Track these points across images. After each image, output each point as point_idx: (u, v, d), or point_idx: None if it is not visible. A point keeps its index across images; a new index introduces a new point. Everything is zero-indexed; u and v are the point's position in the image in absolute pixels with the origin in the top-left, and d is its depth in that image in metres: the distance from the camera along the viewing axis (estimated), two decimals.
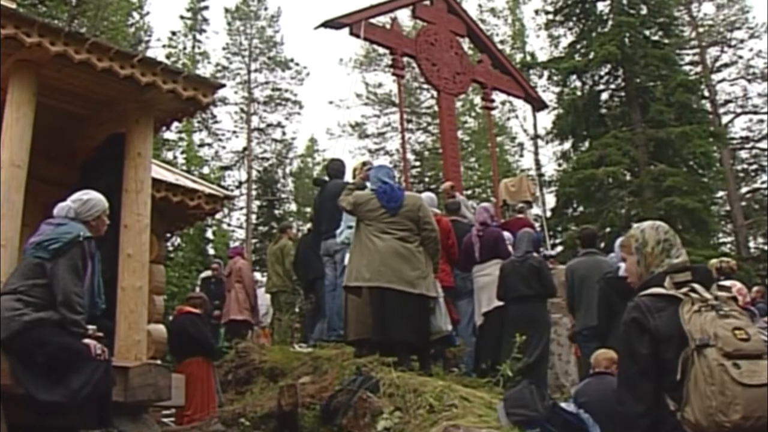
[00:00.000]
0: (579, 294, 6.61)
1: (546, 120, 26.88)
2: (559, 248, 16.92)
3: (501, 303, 6.52)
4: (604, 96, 22.19)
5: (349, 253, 5.79)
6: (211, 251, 25.70)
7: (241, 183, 30.05)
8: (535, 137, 27.93)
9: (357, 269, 5.41)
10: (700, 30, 26.99)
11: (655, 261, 2.52)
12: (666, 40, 22.07)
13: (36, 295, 3.84)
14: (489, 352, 6.30)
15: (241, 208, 29.37)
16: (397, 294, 5.25)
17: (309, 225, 9.90)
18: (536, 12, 26.13)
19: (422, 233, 5.51)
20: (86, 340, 3.87)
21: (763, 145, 26.51)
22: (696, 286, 2.33)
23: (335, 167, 7.82)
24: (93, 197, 4.22)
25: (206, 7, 30.64)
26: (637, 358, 2.32)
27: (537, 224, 14.38)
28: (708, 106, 24.50)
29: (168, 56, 27.01)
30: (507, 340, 5.93)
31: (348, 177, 7.50)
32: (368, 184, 5.84)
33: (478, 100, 23.42)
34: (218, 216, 24.32)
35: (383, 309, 5.27)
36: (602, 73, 21.82)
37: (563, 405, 4.53)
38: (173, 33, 29.42)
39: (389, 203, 5.49)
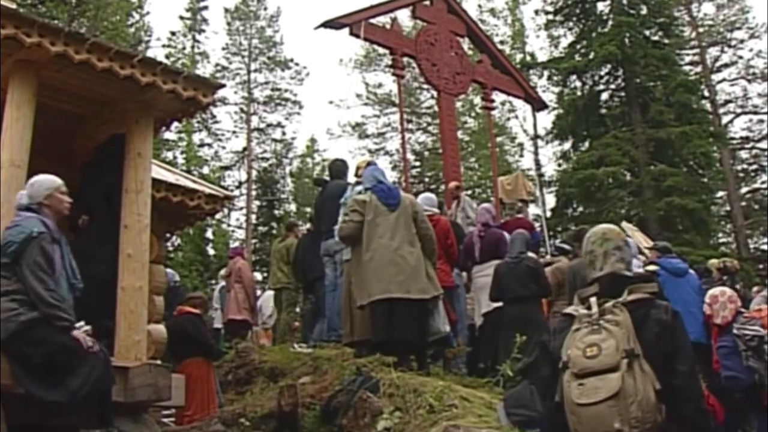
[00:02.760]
0: None
1: (546, 120, 26.90)
2: None
3: (500, 304, 6.54)
4: (604, 96, 22.21)
5: (352, 259, 5.76)
6: (211, 251, 25.73)
7: (241, 183, 30.07)
8: (535, 137, 27.94)
9: (368, 282, 5.32)
10: (700, 30, 26.99)
11: (588, 273, 2.53)
12: (666, 40, 22.09)
13: (27, 294, 3.86)
14: (489, 353, 6.31)
15: (241, 208, 29.41)
16: (406, 300, 5.24)
17: (308, 225, 9.87)
18: (536, 12, 26.21)
19: (419, 232, 5.54)
20: (76, 333, 3.86)
21: (763, 145, 26.53)
22: (592, 300, 2.33)
23: (337, 167, 7.80)
24: (40, 178, 4.17)
25: (206, 7, 30.70)
26: (541, 378, 2.42)
27: (537, 224, 14.39)
28: (708, 106, 24.53)
29: (168, 56, 27.06)
30: (505, 340, 5.93)
31: (351, 177, 7.48)
32: (360, 187, 5.86)
33: (478, 100, 23.42)
34: (218, 216, 24.33)
35: (391, 313, 5.26)
36: (602, 73, 21.84)
37: None
38: (173, 33, 29.50)
39: (389, 200, 5.52)
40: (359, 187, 6.35)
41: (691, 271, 7.17)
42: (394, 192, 5.62)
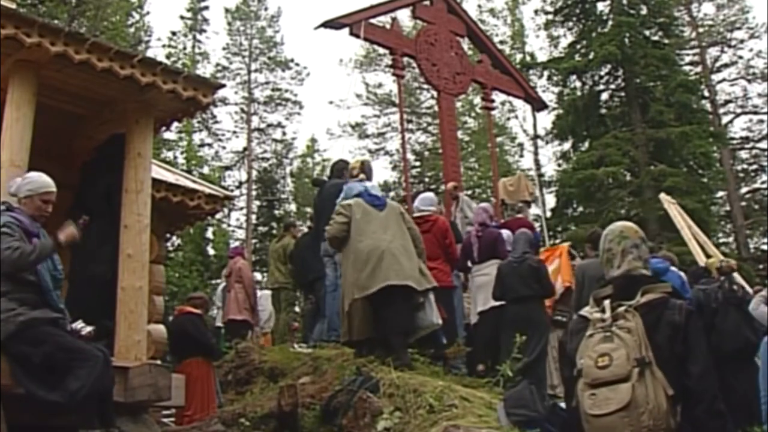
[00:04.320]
0: (588, 294, 6.60)
1: (546, 120, 26.88)
2: None
3: (496, 303, 6.56)
4: (604, 96, 22.22)
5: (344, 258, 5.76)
6: (211, 251, 25.72)
7: (241, 183, 30.06)
8: (535, 137, 27.94)
9: (366, 274, 5.31)
10: (700, 30, 26.99)
11: (606, 272, 2.51)
12: (666, 40, 22.10)
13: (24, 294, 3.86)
14: (482, 351, 6.33)
15: (241, 208, 29.39)
16: (401, 288, 5.27)
17: (308, 225, 9.86)
18: (536, 12, 26.24)
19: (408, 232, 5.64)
20: None
21: (763, 145, 26.53)
22: (606, 303, 2.31)
23: (338, 167, 7.78)
24: (32, 177, 4.20)
25: (206, 7, 30.67)
26: (564, 379, 2.40)
27: (537, 224, 14.37)
28: (708, 106, 24.54)
29: (168, 56, 27.03)
30: (506, 340, 5.94)
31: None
32: (343, 194, 5.92)
33: (478, 100, 23.41)
34: (218, 216, 24.32)
35: (390, 303, 5.29)
36: (602, 73, 21.85)
37: (563, 405, 4.53)
38: (173, 33, 29.47)
39: (375, 202, 5.63)
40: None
41: (674, 268, 7.12)
42: (380, 197, 5.78)
